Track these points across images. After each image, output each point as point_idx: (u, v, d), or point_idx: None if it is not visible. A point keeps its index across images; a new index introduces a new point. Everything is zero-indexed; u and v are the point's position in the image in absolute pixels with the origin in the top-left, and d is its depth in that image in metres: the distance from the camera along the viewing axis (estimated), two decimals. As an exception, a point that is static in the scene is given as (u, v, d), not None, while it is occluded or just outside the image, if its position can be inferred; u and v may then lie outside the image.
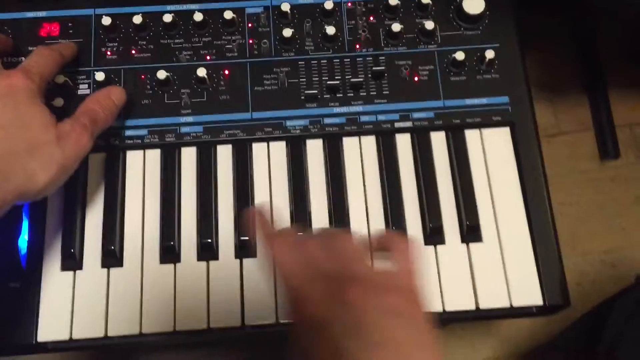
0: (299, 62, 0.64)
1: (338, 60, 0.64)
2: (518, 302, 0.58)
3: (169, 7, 0.65)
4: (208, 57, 0.64)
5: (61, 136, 0.52)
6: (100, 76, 0.61)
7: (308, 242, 0.49)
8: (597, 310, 0.67)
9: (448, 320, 0.67)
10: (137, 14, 0.63)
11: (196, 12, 0.63)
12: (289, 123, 0.62)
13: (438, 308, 0.58)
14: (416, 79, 0.64)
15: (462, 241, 0.60)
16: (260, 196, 0.61)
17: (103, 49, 0.64)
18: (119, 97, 0.59)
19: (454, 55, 0.63)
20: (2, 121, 0.50)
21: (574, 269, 1.00)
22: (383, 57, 0.64)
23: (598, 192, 1.06)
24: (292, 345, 0.48)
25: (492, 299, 0.58)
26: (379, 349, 0.43)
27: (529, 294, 0.58)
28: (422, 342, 0.45)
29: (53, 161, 0.50)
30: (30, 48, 0.63)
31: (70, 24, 0.64)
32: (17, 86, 0.51)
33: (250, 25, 0.65)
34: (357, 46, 0.65)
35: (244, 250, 0.59)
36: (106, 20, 0.63)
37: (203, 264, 0.58)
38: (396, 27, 0.63)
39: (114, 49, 0.64)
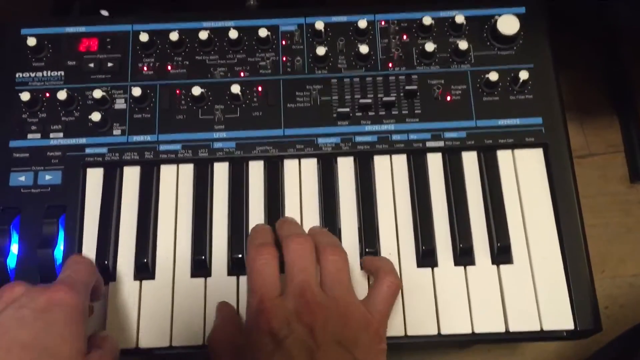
0: (332, 80, 0.65)
1: (370, 79, 0.65)
2: (549, 326, 0.57)
3: (205, 24, 0.66)
4: (242, 74, 0.65)
5: None
6: (136, 91, 0.62)
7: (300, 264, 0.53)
8: (628, 336, 0.66)
9: (475, 342, 0.67)
10: (174, 30, 0.64)
11: (231, 29, 0.64)
12: (320, 140, 0.63)
13: (467, 330, 0.57)
14: (449, 98, 0.64)
15: (493, 262, 0.59)
16: (290, 212, 0.61)
17: (139, 65, 0.65)
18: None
19: (487, 75, 0.63)
20: (25, 340, 0.43)
21: (602, 293, 0.98)
22: (416, 76, 0.64)
23: (628, 215, 1.04)
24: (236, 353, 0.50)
25: (523, 322, 0.57)
26: None
27: (560, 317, 0.57)
28: None
29: None
30: (68, 62, 0.65)
31: (108, 40, 0.65)
32: (58, 301, 0.46)
33: (284, 42, 0.66)
34: (390, 65, 0.65)
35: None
36: (143, 37, 0.64)
37: (233, 278, 0.59)
38: (429, 46, 0.64)
39: (150, 64, 0.65)
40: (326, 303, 0.50)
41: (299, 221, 0.61)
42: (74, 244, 0.59)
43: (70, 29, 0.66)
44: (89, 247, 0.59)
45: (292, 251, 0.53)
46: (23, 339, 0.43)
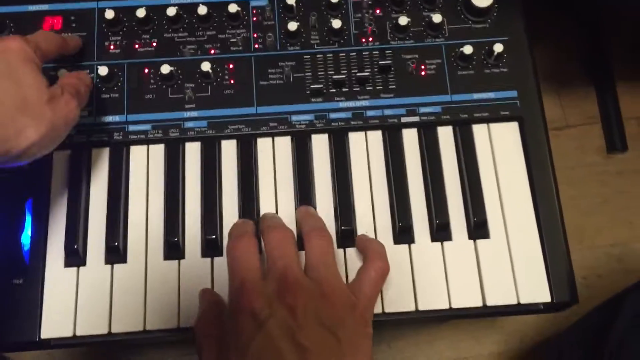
0: (305, 56, 0.63)
1: (344, 54, 0.63)
2: (526, 299, 0.57)
3: (173, 1, 0.64)
4: (212, 51, 0.63)
5: (52, 98, 0.51)
6: (103, 70, 0.60)
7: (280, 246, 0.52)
8: (606, 306, 0.67)
9: (453, 317, 0.67)
10: (141, 7, 0.63)
11: (200, 5, 0.63)
12: (294, 118, 0.62)
13: (444, 305, 0.57)
14: (423, 73, 0.63)
15: (469, 237, 0.59)
16: (265, 191, 0.60)
17: (106, 43, 0.63)
18: (90, 79, 0.59)
19: (461, 49, 0.62)
20: None
21: (580, 263, 1.00)
22: (390, 51, 0.63)
23: (605, 186, 1.05)
24: (222, 339, 0.50)
25: (499, 295, 0.57)
26: (307, 354, 0.46)
27: (537, 290, 0.57)
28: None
29: (44, 119, 0.50)
30: (32, 42, 0.62)
31: (72, 18, 0.64)
32: (12, 47, 0.51)
33: (255, 18, 0.64)
34: (363, 40, 0.64)
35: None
36: (109, 14, 0.62)
37: (207, 260, 0.58)
38: (403, 20, 0.63)
39: (117, 43, 0.63)
40: (308, 285, 0.50)
41: (273, 200, 0.60)
42: (42, 228, 0.58)
43: (33, 7, 0.64)
44: (58, 231, 0.58)
45: (272, 240, 0.53)
46: None
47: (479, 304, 0.57)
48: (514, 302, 0.57)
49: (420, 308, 0.57)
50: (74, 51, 0.62)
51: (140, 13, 0.62)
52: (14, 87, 0.49)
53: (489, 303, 0.57)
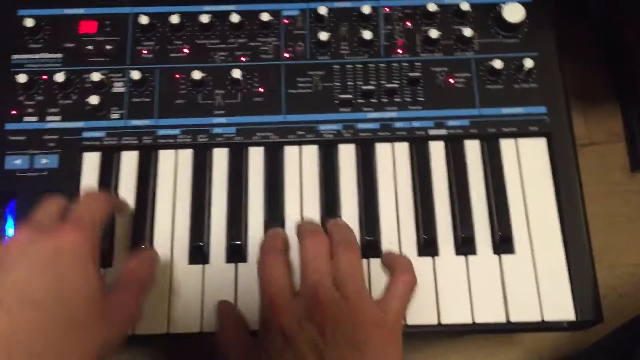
0: (334, 66, 0.64)
1: (373, 65, 0.64)
2: (550, 317, 0.56)
3: (206, 8, 0.65)
4: (243, 59, 0.64)
5: (108, 310, 0.46)
6: (136, 75, 0.61)
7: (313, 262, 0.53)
8: (630, 325, 0.66)
9: (475, 331, 0.66)
10: (174, 13, 0.63)
11: (233, 13, 0.63)
12: (322, 127, 0.62)
13: (467, 319, 0.57)
14: (452, 86, 0.63)
15: (494, 252, 0.59)
16: (290, 199, 0.60)
17: (139, 48, 0.64)
18: (154, 255, 0.56)
19: (491, 63, 0.62)
20: (38, 295, 0.42)
21: (601, 282, 0.97)
22: (419, 63, 0.64)
23: (628, 204, 1.03)
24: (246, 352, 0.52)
25: (524, 312, 0.57)
26: None
27: (561, 308, 0.57)
28: None
29: (94, 342, 0.44)
30: (66, 45, 0.63)
31: (107, 22, 0.64)
32: (65, 248, 0.44)
33: (286, 27, 0.65)
34: (393, 51, 0.64)
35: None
36: (143, 19, 0.63)
37: (232, 265, 0.58)
38: (433, 33, 0.63)
39: (150, 48, 0.64)
40: (338, 302, 0.50)
41: (299, 208, 0.60)
42: (71, 229, 0.58)
43: (69, 11, 0.65)
44: (86, 233, 0.58)
45: (307, 250, 0.54)
46: (36, 295, 0.42)
47: (502, 319, 0.57)
48: (538, 319, 0.57)
49: (443, 322, 0.57)
50: (121, 213, 0.58)
51: (174, 19, 0.63)
52: (63, 309, 0.43)
53: (513, 319, 0.57)
